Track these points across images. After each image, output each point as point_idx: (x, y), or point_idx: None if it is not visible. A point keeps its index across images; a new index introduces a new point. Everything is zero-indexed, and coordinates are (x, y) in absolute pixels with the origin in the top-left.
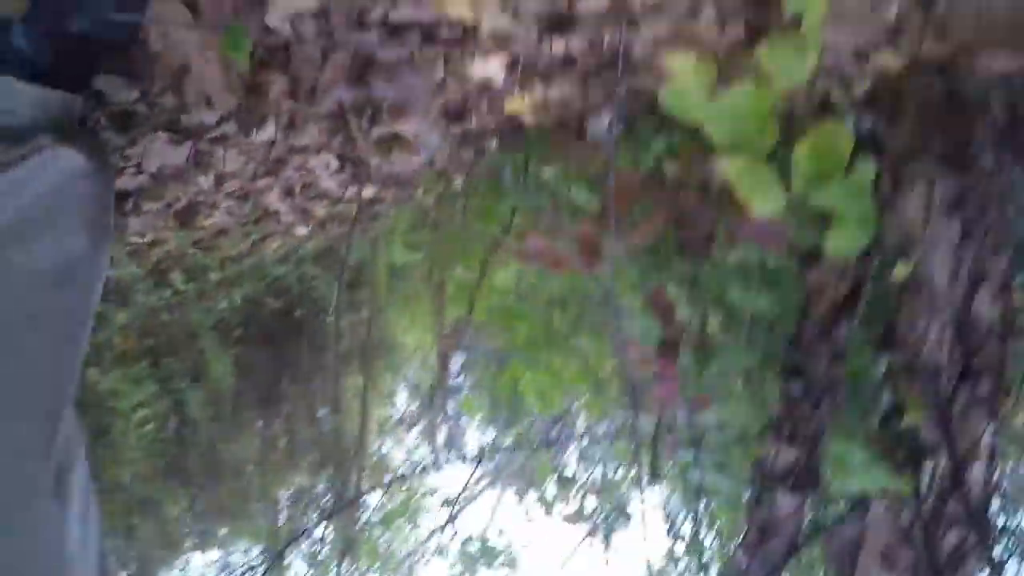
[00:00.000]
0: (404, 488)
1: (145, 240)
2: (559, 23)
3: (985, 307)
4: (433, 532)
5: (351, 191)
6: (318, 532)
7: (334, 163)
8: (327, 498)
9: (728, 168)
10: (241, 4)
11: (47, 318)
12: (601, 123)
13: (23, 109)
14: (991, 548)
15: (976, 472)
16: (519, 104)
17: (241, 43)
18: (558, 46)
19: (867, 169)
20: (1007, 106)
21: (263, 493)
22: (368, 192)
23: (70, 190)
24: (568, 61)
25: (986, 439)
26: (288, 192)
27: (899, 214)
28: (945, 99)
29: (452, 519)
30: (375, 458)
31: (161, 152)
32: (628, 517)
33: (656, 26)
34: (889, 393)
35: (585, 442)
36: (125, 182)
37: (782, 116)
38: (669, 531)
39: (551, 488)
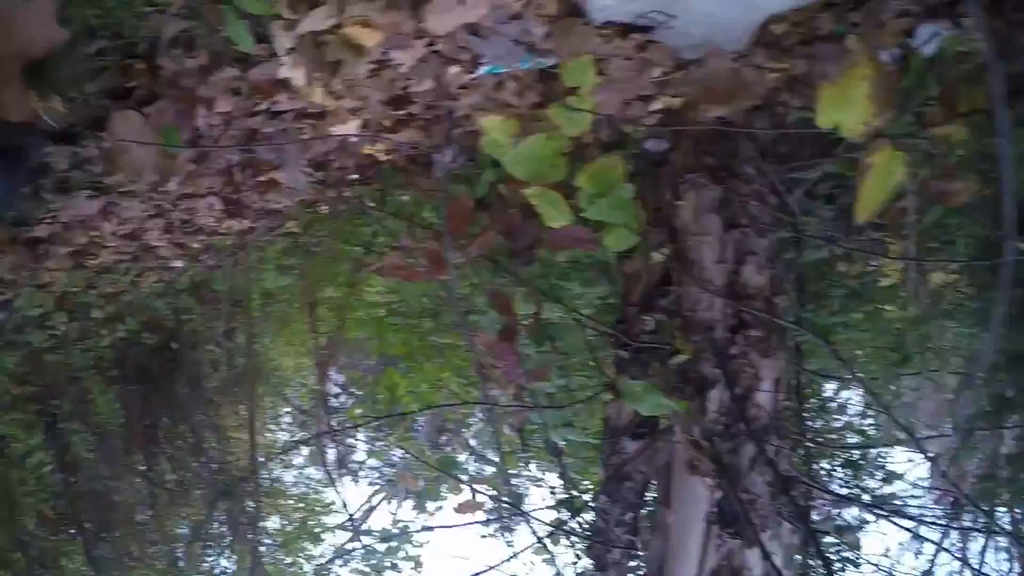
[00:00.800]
0: (300, 508)
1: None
2: (397, 100)
3: (753, 276)
4: (338, 549)
5: (226, 224)
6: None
7: (219, 205)
8: (224, 530)
9: (529, 193)
10: (179, 114)
11: None
12: (445, 158)
13: None
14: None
15: (762, 399)
16: (374, 148)
17: (175, 137)
18: (399, 111)
19: (627, 189)
20: (769, 126)
21: (158, 534)
22: (243, 224)
23: None
24: (409, 118)
25: (771, 374)
26: (168, 229)
27: (680, 215)
28: (715, 126)
29: (355, 530)
30: (268, 484)
31: (79, 205)
32: (520, 497)
33: (471, 97)
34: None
35: (465, 434)
36: (41, 230)
37: (577, 151)
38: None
39: (442, 486)
